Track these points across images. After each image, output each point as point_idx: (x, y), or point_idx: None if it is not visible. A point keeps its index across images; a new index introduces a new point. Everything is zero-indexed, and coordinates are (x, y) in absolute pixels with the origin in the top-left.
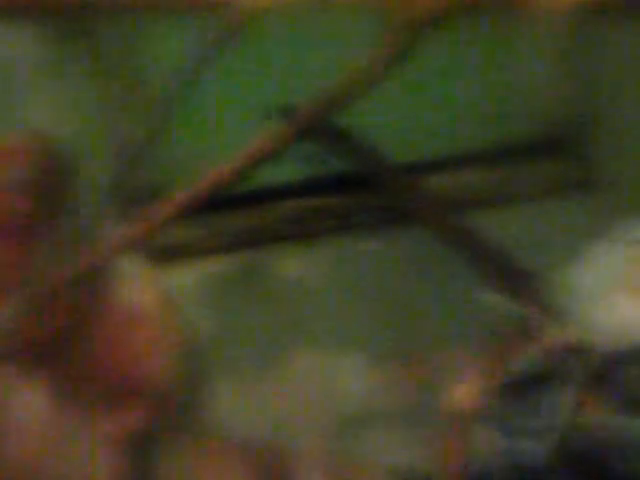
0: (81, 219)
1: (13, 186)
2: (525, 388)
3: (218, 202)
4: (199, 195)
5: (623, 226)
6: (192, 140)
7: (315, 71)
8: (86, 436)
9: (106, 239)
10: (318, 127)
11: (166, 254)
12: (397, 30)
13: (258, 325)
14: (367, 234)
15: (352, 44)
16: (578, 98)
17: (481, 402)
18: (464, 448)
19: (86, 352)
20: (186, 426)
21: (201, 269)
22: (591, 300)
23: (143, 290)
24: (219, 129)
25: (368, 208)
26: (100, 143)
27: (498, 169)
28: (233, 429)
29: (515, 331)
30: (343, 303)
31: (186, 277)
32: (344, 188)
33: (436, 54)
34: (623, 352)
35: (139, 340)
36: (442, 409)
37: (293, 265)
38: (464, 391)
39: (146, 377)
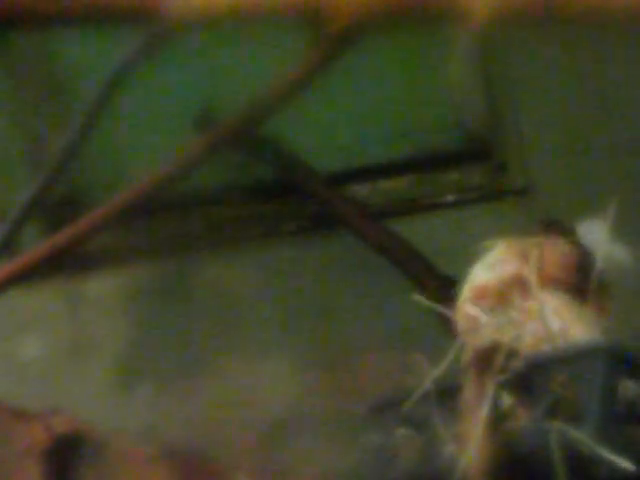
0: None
1: None
2: (448, 394)
3: (144, 209)
4: (126, 203)
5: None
6: (116, 149)
7: (239, 81)
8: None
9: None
10: (244, 136)
11: (92, 260)
12: (320, 41)
13: (183, 331)
14: (292, 241)
15: (276, 54)
16: (496, 108)
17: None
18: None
19: None
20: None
21: (126, 275)
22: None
23: None
24: (143, 137)
25: (293, 215)
26: (18, 153)
27: (419, 177)
28: (159, 435)
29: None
30: (269, 309)
31: (112, 283)
32: (269, 196)
33: (359, 64)
34: (549, 357)
35: None
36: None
37: (218, 272)
38: None
39: None
